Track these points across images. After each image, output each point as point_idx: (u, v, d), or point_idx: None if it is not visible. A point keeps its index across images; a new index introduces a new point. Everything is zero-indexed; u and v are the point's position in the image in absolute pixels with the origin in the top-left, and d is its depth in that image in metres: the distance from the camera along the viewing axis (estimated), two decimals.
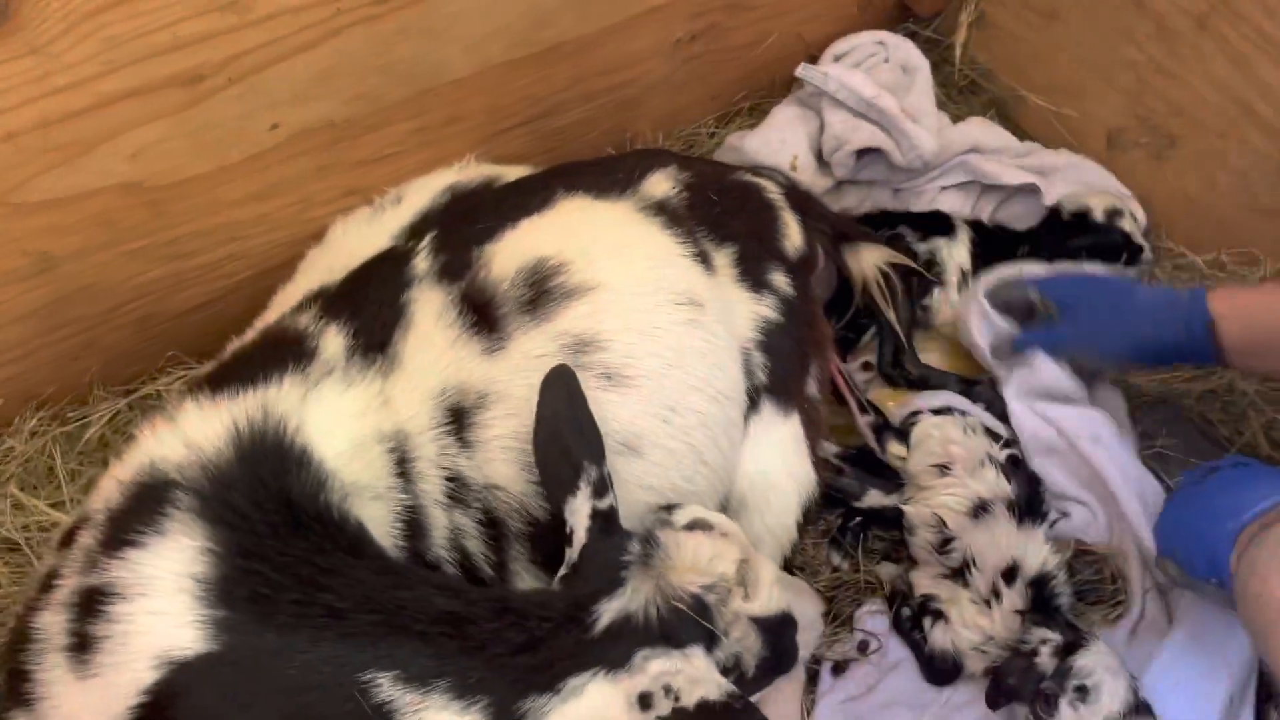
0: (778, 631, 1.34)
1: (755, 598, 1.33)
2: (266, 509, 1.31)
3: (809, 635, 1.48)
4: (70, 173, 1.61)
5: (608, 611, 1.26)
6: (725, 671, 1.29)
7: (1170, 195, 2.23)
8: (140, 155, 1.64)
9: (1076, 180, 2.30)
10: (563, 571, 1.35)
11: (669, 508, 1.41)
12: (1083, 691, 1.58)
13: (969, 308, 2.03)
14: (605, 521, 1.34)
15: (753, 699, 1.35)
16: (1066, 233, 2.17)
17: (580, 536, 1.33)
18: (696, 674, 1.23)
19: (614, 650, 1.24)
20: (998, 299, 2.00)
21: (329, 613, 1.23)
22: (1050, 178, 2.30)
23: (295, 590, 1.24)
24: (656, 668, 1.23)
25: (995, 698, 1.68)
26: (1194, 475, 1.64)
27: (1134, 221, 2.18)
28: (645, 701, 1.22)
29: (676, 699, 1.21)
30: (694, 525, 1.36)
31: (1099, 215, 2.17)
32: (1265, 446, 1.98)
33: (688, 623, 1.27)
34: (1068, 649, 1.63)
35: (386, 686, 1.20)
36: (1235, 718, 1.67)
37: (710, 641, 1.28)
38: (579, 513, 1.34)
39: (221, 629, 1.21)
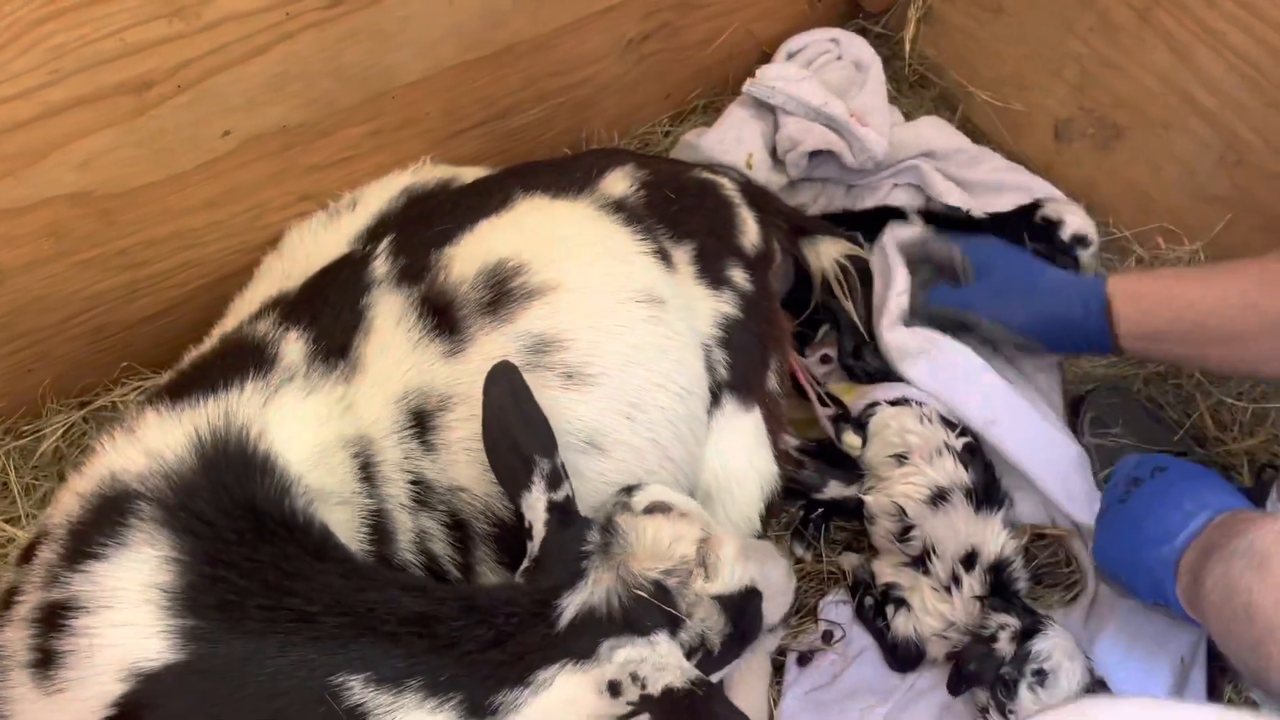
0: (741, 607, 1.36)
1: (716, 578, 1.34)
2: (231, 515, 1.30)
3: (779, 600, 1.48)
4: (18, 184, 1.58)
5: (571, 605, 1.28)
6: (691, 651, 1.31)
7: (1117, 184, 2.27)
8: (90, 164, 1.62)
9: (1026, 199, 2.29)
10: (525, 565, 1.36)
11: (629, 489, 1.42)
12: (1041, 675, 1.61)
13: (878, 257, 2.08)
14: (563, 513, 1.35)
15: (721, 676, 1.38)
16: (1030, 231, 2.18)
17: (539, 530, 1.35)
18: (662, 661, 1.25)
19: (580, 643, 1.26)
20: (916, 250, 2.05)
21: (298, 617, 1.23)
22: (1001, 194, 2.31)
23: (262, 596, 1.24)
24: (622, 656, 1.25)
25: (957, 684, 1.71)
26: (1116, 490, 1.66)
27: (1091, 254, 2.18)
28: (614, 689, 1.24)
29: (643, 686, 1.23)
30: (653, 509, 1.37)
31: (1064, 235, 2.14)
32: (1213, 428, 2.03)
33: (650, 609, 1.28)
34: (1026, 634, 1.66)
35: (358, 689, 1.20)
36: (1186, 682, 1.72)
37: (674, 625, 1.30)
38: (535, 507, 1.35)
39: (189, 638, 1.21)
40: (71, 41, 1.47)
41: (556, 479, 1.35)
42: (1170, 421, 2.05)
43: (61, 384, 1.93)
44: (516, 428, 1.35)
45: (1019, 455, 1.91)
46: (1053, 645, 1.63)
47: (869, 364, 2.10)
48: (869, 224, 2.19)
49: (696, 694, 1.22)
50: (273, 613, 1.23)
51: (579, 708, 1.26)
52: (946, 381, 1.97)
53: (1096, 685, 1.66)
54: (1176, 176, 2.17)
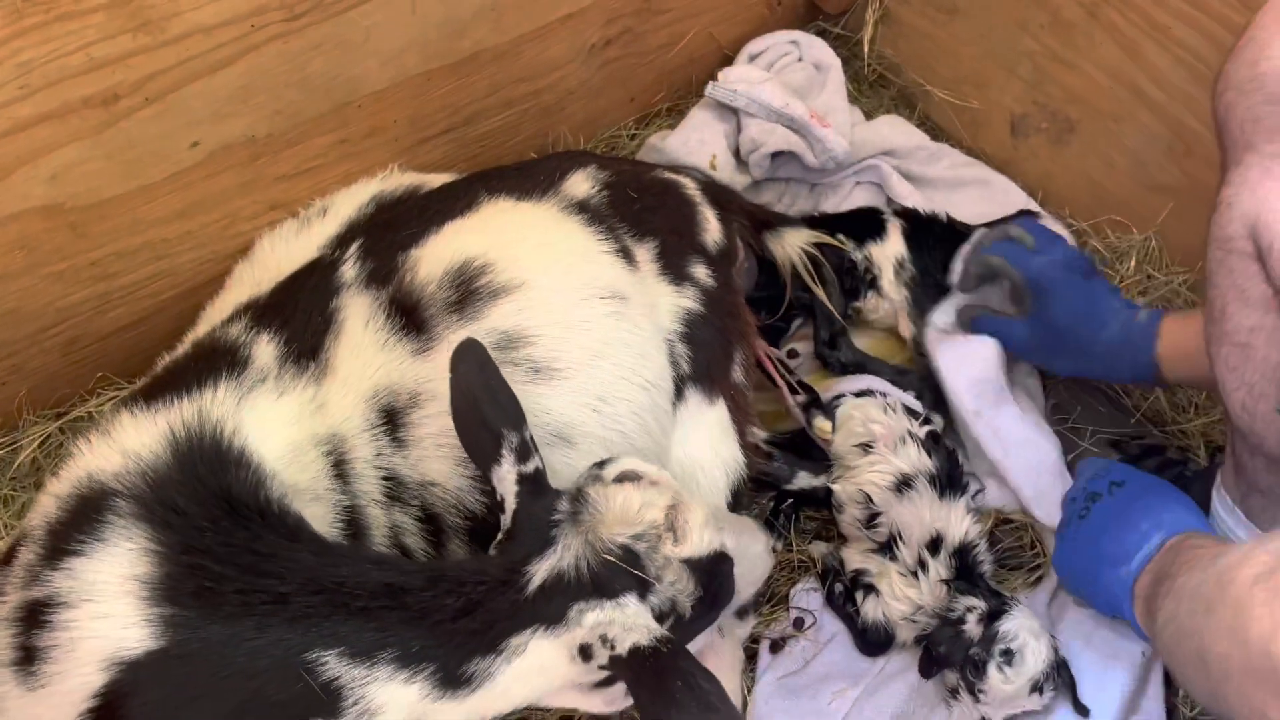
0: (711, 571, 1.36)
1: (685, 541, 1.35)
2: (205, 504, 1.32)
3: (757, 570, 1.50)
4: None
5: (540, 571, 1.29)
6: (662, 616, 1.32)
7: (1072, 177, 2.33)
8: (59, 177, 1.65)
9: (985, 196, 2.36)
10: (498, 539, 1.38)
11: (601, 463, 1.43)
12: (1008, 655, 1.65)
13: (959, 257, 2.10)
14: (533, 485, 1.36)
15: (697, 647, 1.40)
16: None
17: (510, 502, 1.36)
18: (629, 621, 1.26)
19: (549, 607, 1.27)
20: (980, 264, 2.05)
21: (272, 598, 1.25)
22: (959, 190, 2.38)
23: (238, 580, 1.26)
24: (591, 619, 1.26)
25: (928, 666, 1.75)
26: (1076, 505, 1.70)
27: None
28: (586, 653, 1.26)
29: (612, 647, 1.25)
30: (623, 477, 1.37)
31: None
32: (1169, 411, 2.09)
33: (619, 573, 1.29)
34: (992, 615, 1.70)
35: (332, 663, 1.22)
36: (1148, 676, 1.76)
37: (643, 589, 1.30)
38: (506, 480, 1.36)
39: (168, 625, 1.23)
40: (39, 57, 1.50)
41: (526, 451, 1.36)
42: (1128, 406, 2.10)
43: (37, 396, 1.95)
44: (485, 403, 1.36)
45: (997, 450, 1.96)
46: (1019, 625, 1.67)
47: (843, 355, 2.15)
48: (850, 226, 2.22)
49: (662, 651, 1.23)
50: (248, 595, 1.25)
51: (552, 673, 1.28)
52: (952, 360, 2.01)
53: (1061, 665, 1.71)
54: (1128, 167, 2.23)
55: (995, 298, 2.07)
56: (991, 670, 1.67)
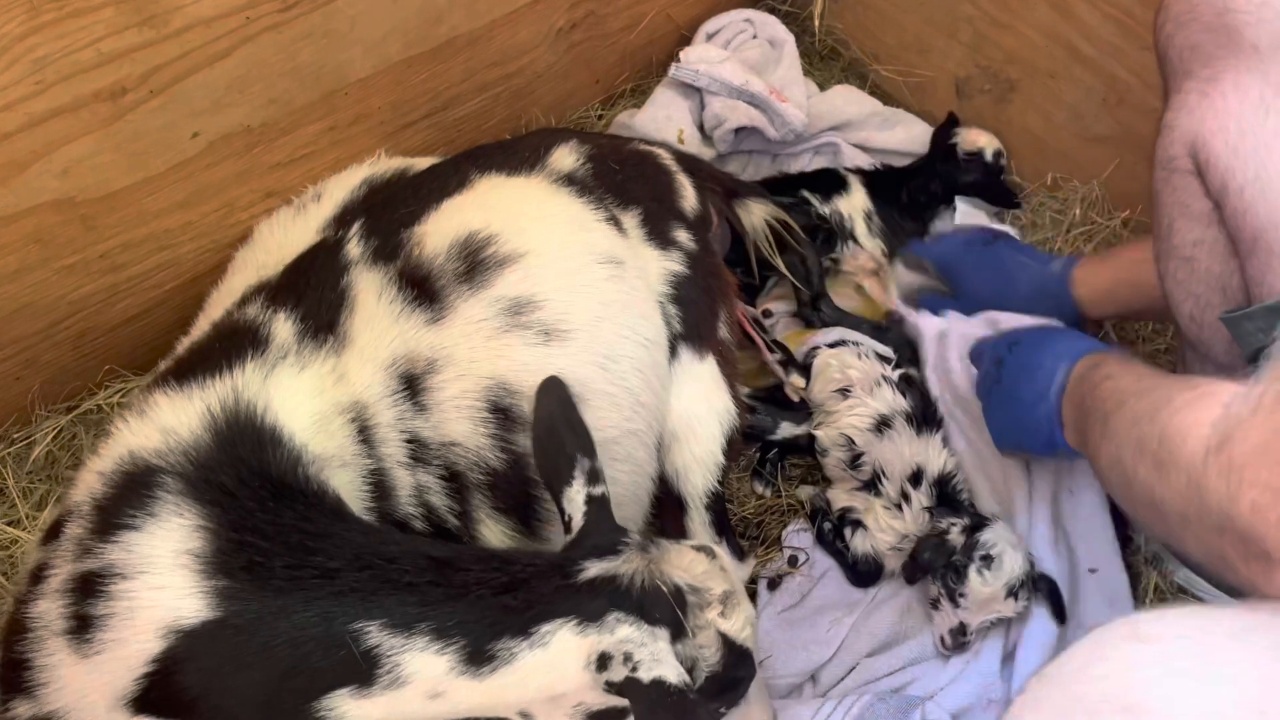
0: (736, 661, 1.36)
1: (730, 618, 1.35)
2: (251, 485, 1.38)
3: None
4: (5, 193, 1.65)
5: (595, 567, 1.31)
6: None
7: (1016, 133, 2.47)
8: (70, 171, 1.70)
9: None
10: (562, 549, 1.42)
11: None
12: (988, 560, 1.77)
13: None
14: (600, 507, 1.42)
15: None
16: (959, 168, 2.39)
17: (578, 520, 1.41)
18: (659, 653, 1.26)
19: (591, 603, 1.28)
20: (907, 261, 2.25)
21: (320, 573, 1.30)
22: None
23: (287, 556, 1.32)
24: (624, 632, 1.27)
25: (912, 572, 1.87)
26: (989, 377, 1.83)
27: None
28: (602, 662, 1.26)
29: (634, 669, 1.24)
30: (700, 548, 1.40)
31: (989, 156, 2.40)
32: (1117, 341, 2.24)
33: (664, 605, 1.30)
34: (974, 529, 1.82)
35: (374, 632, 1.27)
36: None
37: (677, 632, 1.31)
38: (575, 499, 1.42)
39: (223, 597, 1.29)
40: (54, 53, 1.55)
41: (596, 476, 1.43)
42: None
43: (49, 389, 1.99)
44: (563, 431, 1.46)
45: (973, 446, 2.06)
46: (998, 536, 1.80)
47: (825, 313, 2.27)
48: (813, 183, 2.36)
49: (688, 698, 1.24)
50: (297, 570, 1.31)
51: (561, 675, 1.28)
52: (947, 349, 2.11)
53: (1038, 578, 1.83)
54: (1067, 121, 2.38)
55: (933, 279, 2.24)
56: (971, 573, 1.77)
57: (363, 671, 1.27)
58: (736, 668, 1.36)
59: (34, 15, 1.50)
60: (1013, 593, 1.78)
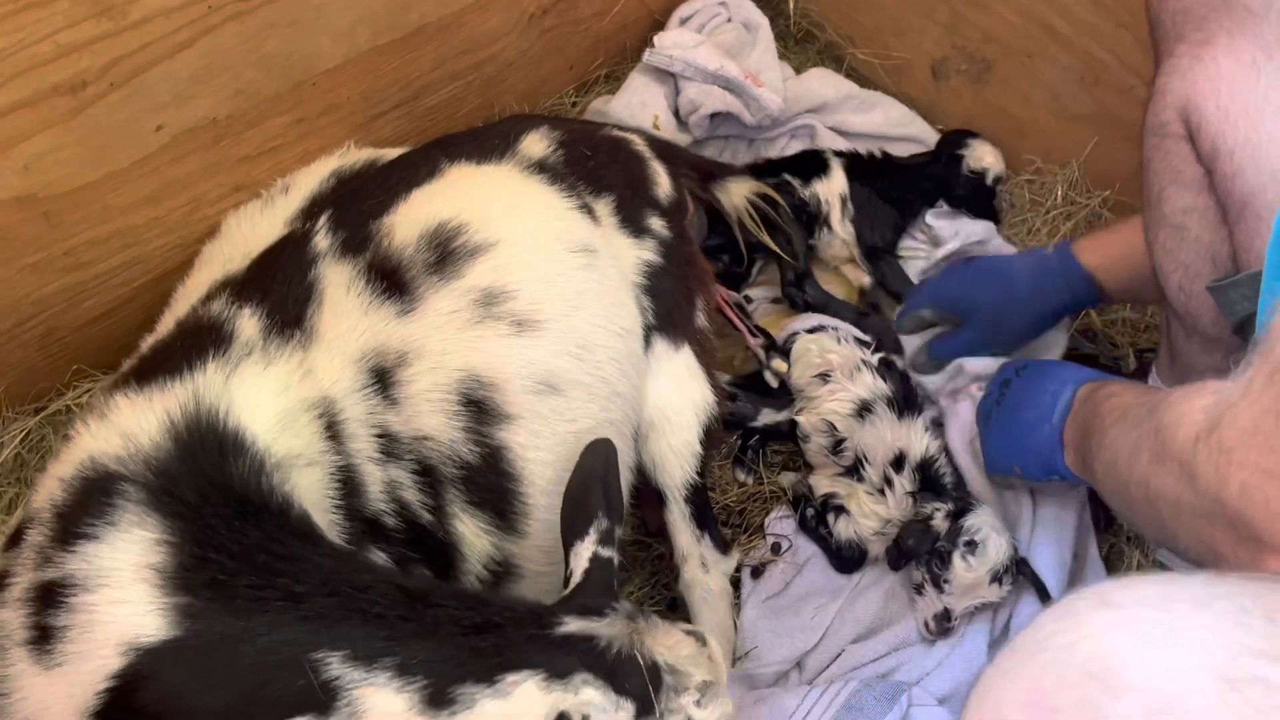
0: None
1: (706, 708, 1.29)
2: (213, 501, 1.34)
3: None
4: None
5: (574, 623, 1.27)
6: None
7: (993, 114, 2.46)
8: (32, 167, 1.67)
9: (909, 135, 2.52)
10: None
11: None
12: (972, 545, 1.77)
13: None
14: (602, 569, 1.38)
15: None
16: (959, 180, 2.35)
17: (577, 577, 1.37)
18: None
19: (562, 660, 1.24)
20: (912, 322, 2.18)
21: (285, 596, 1.27)
22: (891, 146, 2.48)
23: (252, 576, 1.28)
24: (588, 695, 1.23)
25: (896, 559, 1.87)
26: (992, 397, 1.82)
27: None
28: None
29: None
30: (690, 632, 1.36)
31: (990, 180, 2.35)
32: (1099, 322, 2.24)
33: (637, 678, 1.25)
34: (958, 514, 1.82)
35: (336, 664, 1.23)
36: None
37: (644, 708, 1.25)
38: (581, 555, 1.38)
39: (184, 615, 1.25)
40: (9, 46, 1.52)
41: (610, 539, 1.39)
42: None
43: (15, 391, 1.95)
44: (595, 489, 1.43)
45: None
46: (982, 520, 1.80)
47: (809, 294, 2.25)
48: (794, 167, 2.34)
49: None
50: (261, 592, 1.27)
51: None
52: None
53: (1022, 562, 1.83)
54: (1044, 100, 2.37)
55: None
56: (956, 559, 1.77)
57: (320, 703, 1.23)
58: None
59: None
60: (997, 578, 1.78)
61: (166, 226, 1.92)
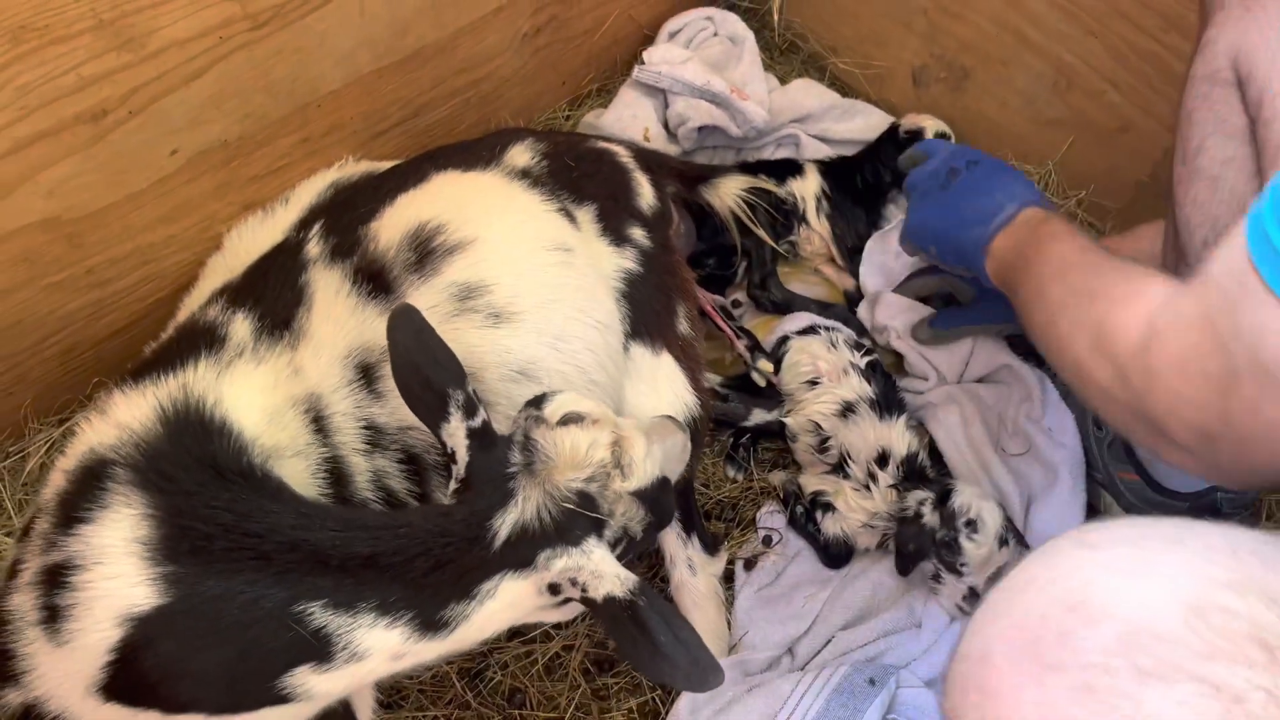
0: (655, 497, 1.46)
1: (631, 475, 1.42)
2: (191, 470, 1.40)
3: (683, 458, 1.61)
4: None
5: (504, 525, 1.35)
6: (616, 544, 1.41)
7: (972, 120, 2.54)
8: (56, 191, 1.75)
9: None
10: (454, 488, 1.44)
11: (539, 401, 1.48)
12: (972, 525, 1.84)
13: (879, 304, 2.29)
14: (482, 437, 1.42)
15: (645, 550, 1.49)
16: (900, 149, 2.39)
17: (463, 455, 1.42)
18: (598, 569, 1.34)
19: (516, 555, 1.34)
20: (912, 291, 2.26)
21: (256, 555, 1.32)
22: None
23: (224, 539, 1.33)
24: (560, 565, 1.34)
25: (904, 565, 1.92)
26: (938, 178, 1.85)
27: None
28: (555, 590, 1.35)
29: (584, 590, 1.33)
30: (566, 420, 1.43)
31: (929, 135, 2.44)
32: None
33: (578, 519, 1.36)
34: (942, 499, 1.88)
35: (319, 613, 1.30)
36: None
37: (599, 528, 1.38)
38: (455, 435, 1.42)
39: (170, 582, 1.31)
40: (35, 80, 1.60)
41: (471, 407, 1.41)
42: None
43: (40, 404, 2.04)
44: (426, 365, 1.42)
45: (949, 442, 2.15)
46: (969, 496, 1.86)
47: (773, 294, 2.34)
48: (771, 169, 2.44)
49: (638, 604, 1.30)
50: (235, 553, 1.32)
51: (523, 606, 1.37)
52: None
53: (1010, 524, 1.89)
54: (1020, 106, 2.46)
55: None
56: (963, 541, 1.83)
57: (318, 650, 1.31)
58: (658, 504, 1.45)
59: (16, 44, 1.55)
60: (1003, 542, 1.85)
61: (181, 244, 2.00)
